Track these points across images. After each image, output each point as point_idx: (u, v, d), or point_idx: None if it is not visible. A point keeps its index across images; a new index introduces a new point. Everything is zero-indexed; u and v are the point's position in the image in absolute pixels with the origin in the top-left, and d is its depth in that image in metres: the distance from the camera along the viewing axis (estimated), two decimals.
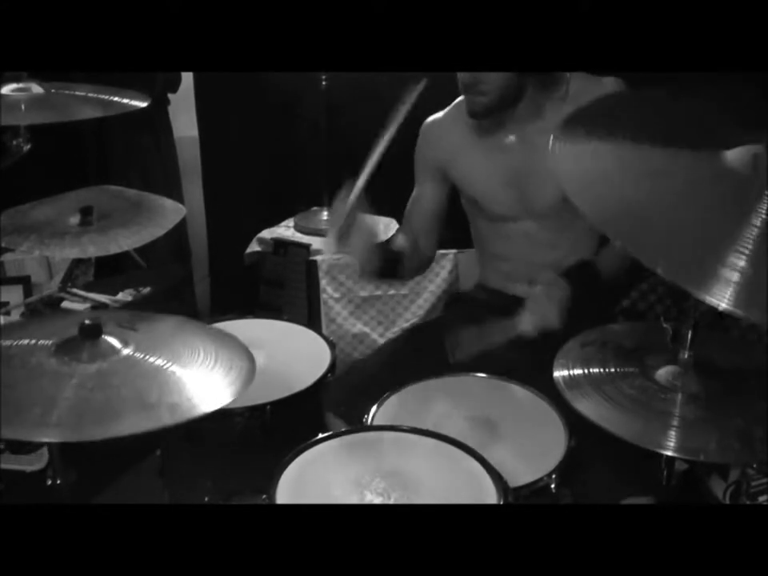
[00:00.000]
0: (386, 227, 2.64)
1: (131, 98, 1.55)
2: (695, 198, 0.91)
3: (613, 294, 1.96)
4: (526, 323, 1.41)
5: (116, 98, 1.54)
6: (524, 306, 1.44)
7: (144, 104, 1.54)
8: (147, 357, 1.13)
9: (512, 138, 1.65)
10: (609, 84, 1.58)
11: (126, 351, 1.14)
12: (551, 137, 1.01)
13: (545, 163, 1.02)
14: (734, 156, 0.95)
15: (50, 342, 1.15)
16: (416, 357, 1.62)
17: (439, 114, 1.78)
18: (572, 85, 1.60)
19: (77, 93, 1.56)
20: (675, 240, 0.86)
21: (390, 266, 1.62)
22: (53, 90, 1.54)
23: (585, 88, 1.57)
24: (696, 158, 0.96)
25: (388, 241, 1.67)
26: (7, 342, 1.15)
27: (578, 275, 1.52)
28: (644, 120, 1.05)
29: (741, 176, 0.92)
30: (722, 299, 0.77)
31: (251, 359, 1.19)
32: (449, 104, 1.75)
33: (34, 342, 1.16)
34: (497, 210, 1.71)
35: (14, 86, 1.50)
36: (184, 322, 1.32)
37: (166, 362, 1.13)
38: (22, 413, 0.99)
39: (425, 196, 1.80)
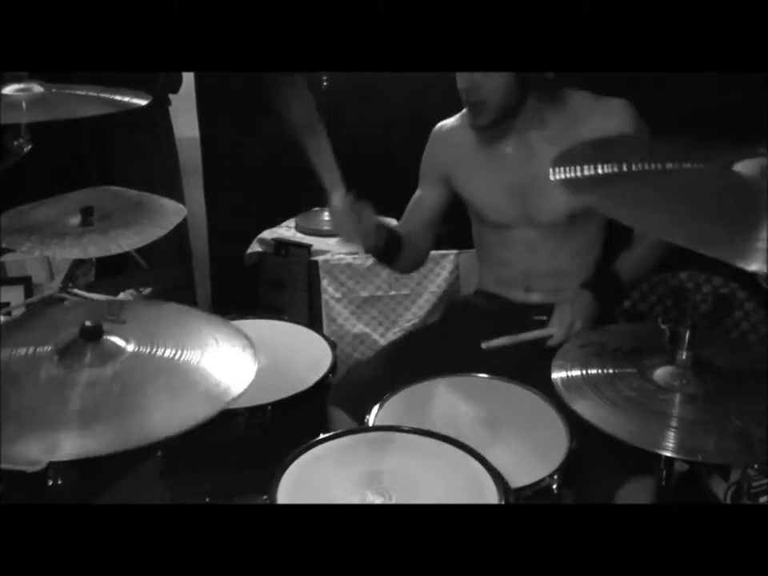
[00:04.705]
0: None
1: (132, 97, 1.54)
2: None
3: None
4: (555, 332, 1.49)
5: (117, 97, 1.53)
6: (552, 316, 1.53)
7: (144, 102, 1.53)
8: (155, 350, 1.10)
9: (513, 147, 1.66)
10: (617, 105, 1.59)
11: (131, 348, 1.10)
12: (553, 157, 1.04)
13: (546, 172, 1.02)
14: (745, 167, 0.95)
15: (49, 348, 1.09)
16: (415, 360, 1.61)
17: (450, 120, 1.78)
18: (574, 98, 1.62)
19: (78, 92, 1.55)
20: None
21: (391, 247, 1.65)
22: (53, 90, 1.53)
23: (586, 104, 1.60)
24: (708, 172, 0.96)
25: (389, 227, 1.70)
26: (6, 354, 1.10)
27: (600, 285, 1.58)
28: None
29: (754, 185, 0.91)
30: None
31: (246, 335, 1.17)
32: (456, 105, 1.74)
33: (32, 350, 1.10)
34: (498, 218, 1.71)
35: (15, 86, 1.51)
36: (163, 305, 1.30)
37: (175, 351, 1.10)
38: (56, 430, 0.96)
39: (426, 199, 1.80)
